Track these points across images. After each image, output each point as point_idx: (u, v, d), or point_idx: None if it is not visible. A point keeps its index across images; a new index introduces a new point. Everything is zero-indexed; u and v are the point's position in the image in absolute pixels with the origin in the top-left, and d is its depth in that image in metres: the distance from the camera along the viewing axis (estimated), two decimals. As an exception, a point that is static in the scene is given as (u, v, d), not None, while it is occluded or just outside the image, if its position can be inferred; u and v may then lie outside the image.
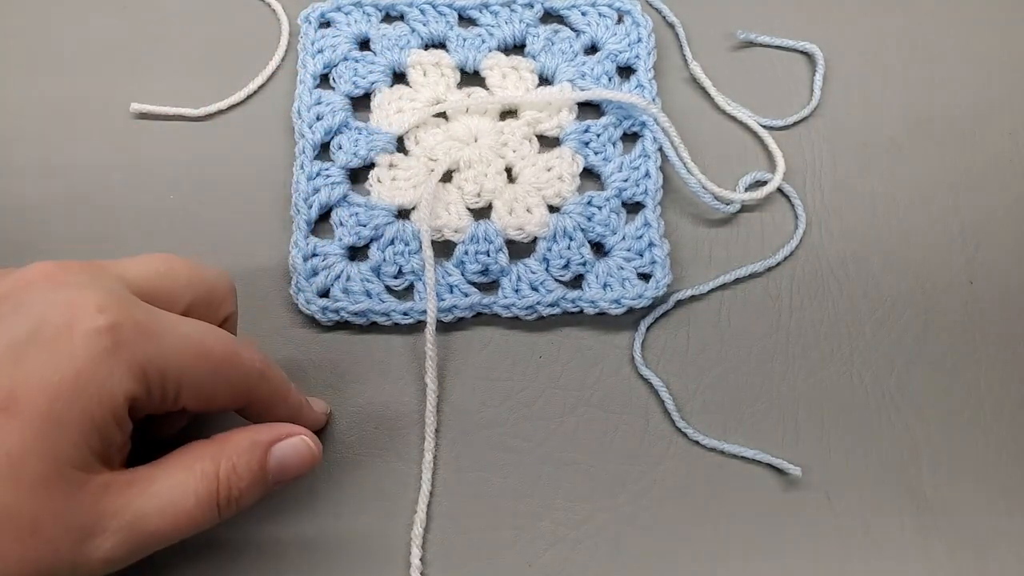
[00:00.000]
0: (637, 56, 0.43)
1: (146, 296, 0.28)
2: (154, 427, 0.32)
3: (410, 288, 0.39)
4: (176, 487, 0.27)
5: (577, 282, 0.39)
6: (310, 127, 0.41)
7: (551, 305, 0.38)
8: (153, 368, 0.26)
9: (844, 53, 0.44)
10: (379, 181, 0.40)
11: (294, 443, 0.30)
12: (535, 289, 0.38)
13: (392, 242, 0.39)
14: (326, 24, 0.44)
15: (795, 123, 0.43)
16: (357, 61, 0.43)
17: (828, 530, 0.36)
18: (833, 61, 0.44)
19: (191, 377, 0.27)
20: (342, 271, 0.39)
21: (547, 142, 0.42)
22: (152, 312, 0.27)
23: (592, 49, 0.44)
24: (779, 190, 0.41)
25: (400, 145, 0.41)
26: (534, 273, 0.39)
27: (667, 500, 0.36)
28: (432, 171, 0.40)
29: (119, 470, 0.27)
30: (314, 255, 0.39)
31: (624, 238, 0.40)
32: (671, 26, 0.45)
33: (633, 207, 0.41)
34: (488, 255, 0.38)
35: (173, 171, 0.41)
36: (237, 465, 0.28)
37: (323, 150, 0.41)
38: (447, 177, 0.40)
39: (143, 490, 0.27)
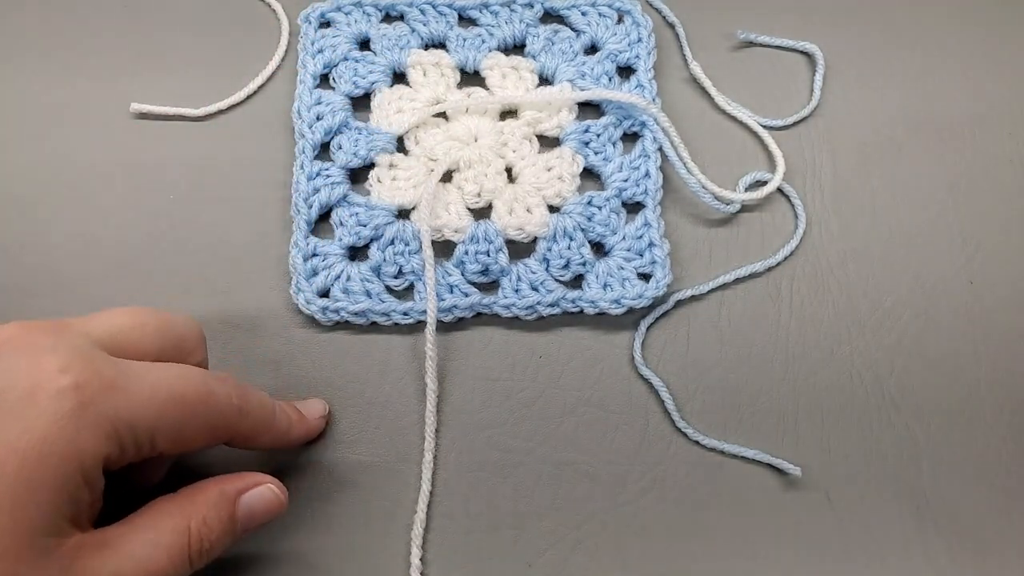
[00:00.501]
0: (637, 56, 0.43)
1: (115, 351, 0.28)
2: (135, 476, 0.31)
3: (410, 288, 0.39)
4: (148, 545, 0.27)
5: (577, 282, 0.39)
6: (310, 127, 0.41)
7: (551, 305, 0.38)
8: (123, 422, 0.26)
9: (844, 53, 0.44)
10: (379, 181, 0.40)
11: (261, 492, 0.31)
12: (535, 289, 0.38)
13: (392, 242, 0.39)
14: (326, 24, 0.44)
15: (795, 123, 0.43)
16: (357, 61, 0.43)
17: (828, 530, 0.36)
18: (833, 61, 0.44)
19: (165, 424, 0.27)
20: (342, 271, 0.39)
21: (547, 142, 0.42)
22: (119, 364, 0.27)
23: (592, 49, 0.44)
24: (779, 190, 0.41)
25: (400, 145, 0.41)
26: (534, 273, 0.39)
27: (667, 500, 0.36)
28: (432, 171, 0.40)
29: (90, 531, 0.27)
30: (314, 255, 0.39)
31: (624, 238, 0.40)
32: (671, 26, 0.45)
33: (633, 207, 0.41)
34: (488, 255, 0.38)
35: (173, 171, 0.41)
36: (207, 518, 0.29)
37: (323, 150, 0.41)
38: (447, 177, 0.40)
39: (116, 551, 0.26)
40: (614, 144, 0.41)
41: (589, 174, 0.41)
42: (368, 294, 0.38)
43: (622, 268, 0.39)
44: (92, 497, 0.26)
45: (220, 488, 0.30)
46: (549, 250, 0.39)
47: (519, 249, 0.40)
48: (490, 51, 0.43)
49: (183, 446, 0.29)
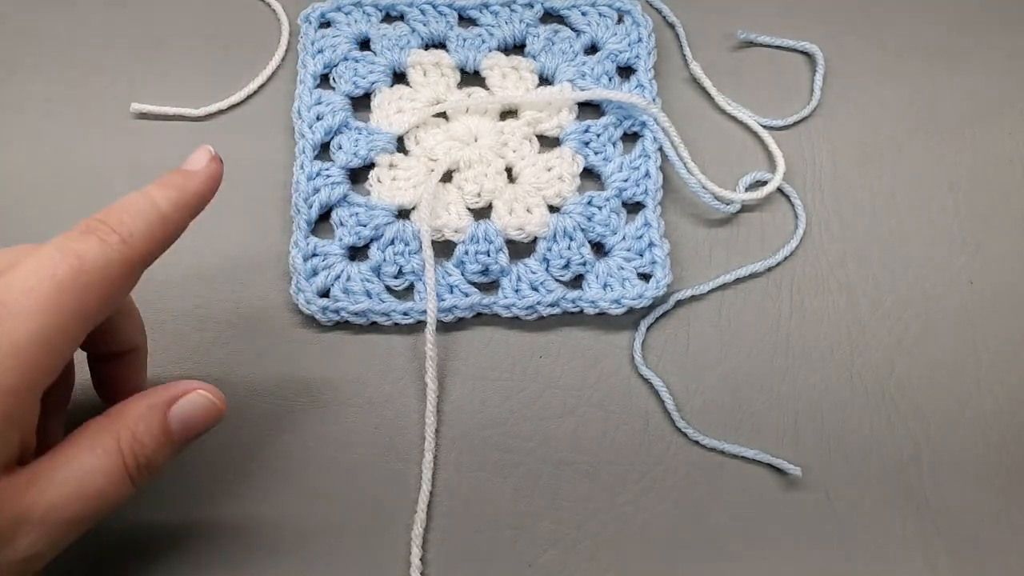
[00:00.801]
0: (637, 56, 0.43)
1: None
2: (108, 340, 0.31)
3: (410, 288, 0.39)
4: (80, 469, 0.27)
5: (577, 282, 0.39)
6: (310, 127, 0.41)
7: (551, 305, 0.38)
8: (25, 384, 0.25)
9: (844, 53, 0.44)
10: (379, 181, 0.40)
11: (191, 400, 0.29)
12: (535, 289, 0.38)
13: (392, 242, 0.39)
14: (326, 24, 0.44)
15: (795, 123, 0.43)
16: (357, 61, 0.43)
17: (828, 530, 0.36)
18: (833, 61, 0.44)
19: (68, 335, 0.26)
20: (342, 271, 0.39)
21: (547, 142, 0.42)
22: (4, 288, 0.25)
23: (592, 49, 0.44)
24: (779, 190, 0.41)
25: (400, 145, 0.41)
26: (534, 273, 0.39)
27: (667, 500, 0.36)
28: (432, 171, 0.40)
29: (17, 471, 0.26)
30: (314, 255, 0.39)
31: (624, 238, 0.40)
32: (671, 26, 0.45)
33: (633, 207, 0.41)
34: (488, 255, 0.38)
35: (173, 171, 0.41)
36: (137, 433, 0.28)
37: (323, 150, 0.41)
38: (447, 177, 0.40)
39: (50, 481, 0.26)
40: (614, 144, 0.41)
41: (589, 174, 0.41)
42: (368, 294, 0.38)
43: (622, 268, 0.39)
44: (22, 435, 0.26)
45: (147, 402, 0.29)
46: (549, 250, 0.39)
47: (519, 249, 0.40)
48: (490, 51, 0.43)
49: (103, 316, 0.27)
